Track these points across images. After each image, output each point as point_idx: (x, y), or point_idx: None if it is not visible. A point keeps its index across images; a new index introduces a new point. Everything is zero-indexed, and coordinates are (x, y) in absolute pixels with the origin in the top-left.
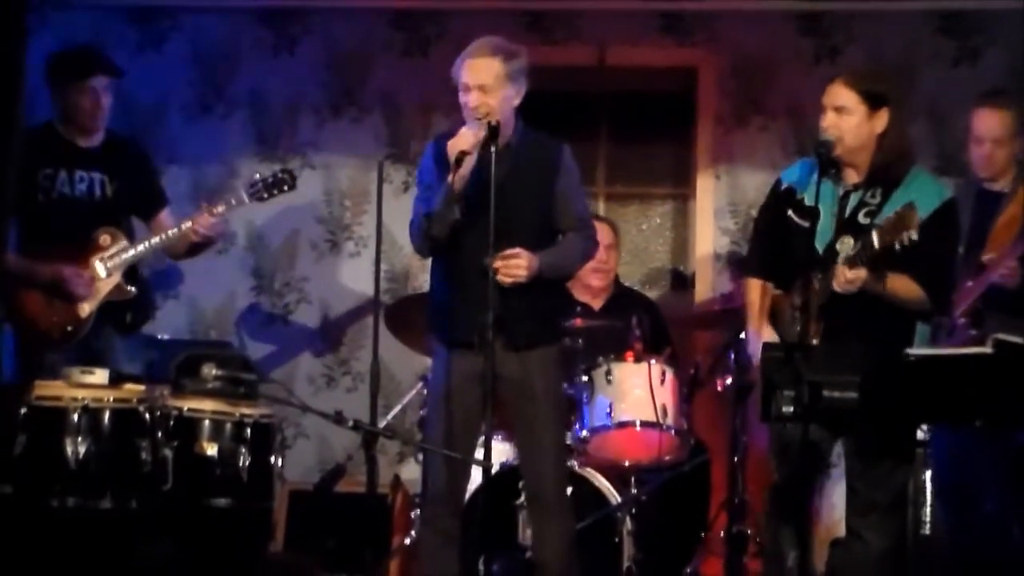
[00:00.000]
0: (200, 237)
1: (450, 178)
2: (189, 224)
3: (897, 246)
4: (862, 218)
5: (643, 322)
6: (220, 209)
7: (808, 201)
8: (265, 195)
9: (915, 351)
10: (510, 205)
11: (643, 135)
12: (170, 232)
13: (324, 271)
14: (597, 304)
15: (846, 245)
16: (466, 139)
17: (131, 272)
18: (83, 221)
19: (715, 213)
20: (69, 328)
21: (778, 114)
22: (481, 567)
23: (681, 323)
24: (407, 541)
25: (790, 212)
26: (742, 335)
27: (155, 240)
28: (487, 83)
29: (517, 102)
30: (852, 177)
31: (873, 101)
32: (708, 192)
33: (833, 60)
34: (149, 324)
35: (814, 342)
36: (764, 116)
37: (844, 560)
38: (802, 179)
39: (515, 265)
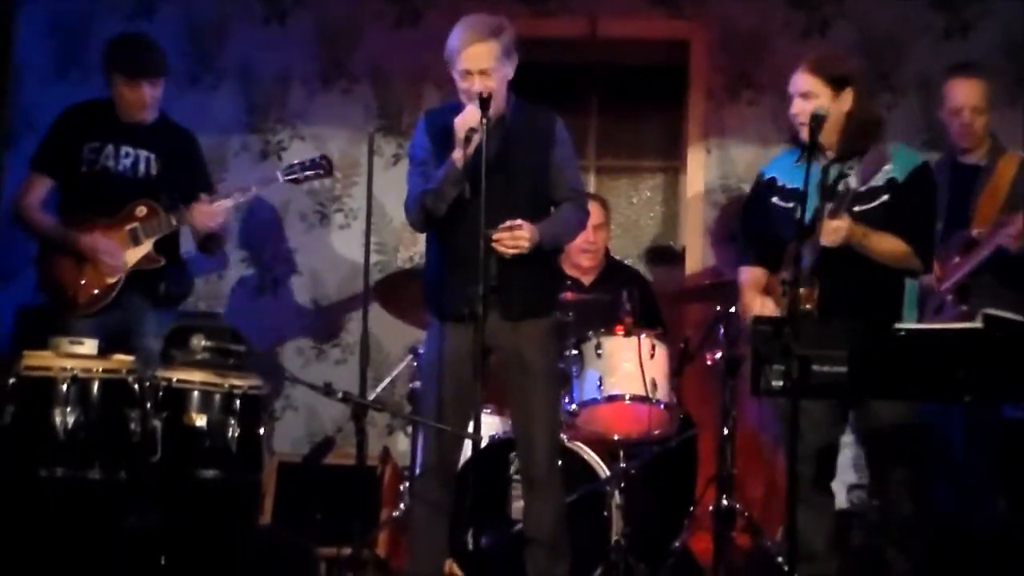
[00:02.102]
0: (202, 227)
1: (457, 155)
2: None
3: (880, 182)
4: (842, 187)
5: (633, 296)
6: (254, 191)
7: (790, 185)
8: (300, 178)
9: (904, 326)
10: (507, 177)
11: (634, 108)
12: (203, 212)
13: (314, 243)
14: (588, 279)
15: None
16: (474, 116)
17: (168, 245)
18: (123, 196)
19: (705, 187)
20: (95, 291)
21: (769, 87)
22: (470, 540)
23: (671, 297)
24: (396, 513)
25: (774, 199)
26: (732, 309)
27: (189, 217)
28: (488, 67)
29: (511, 75)
30: (827, 155)
31: (836, 83)
32: (699, 166)
33: (823, 33)
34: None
35: (808, 307)
36: (755, 89)
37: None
38: (781, 167)
39: (518, 236)
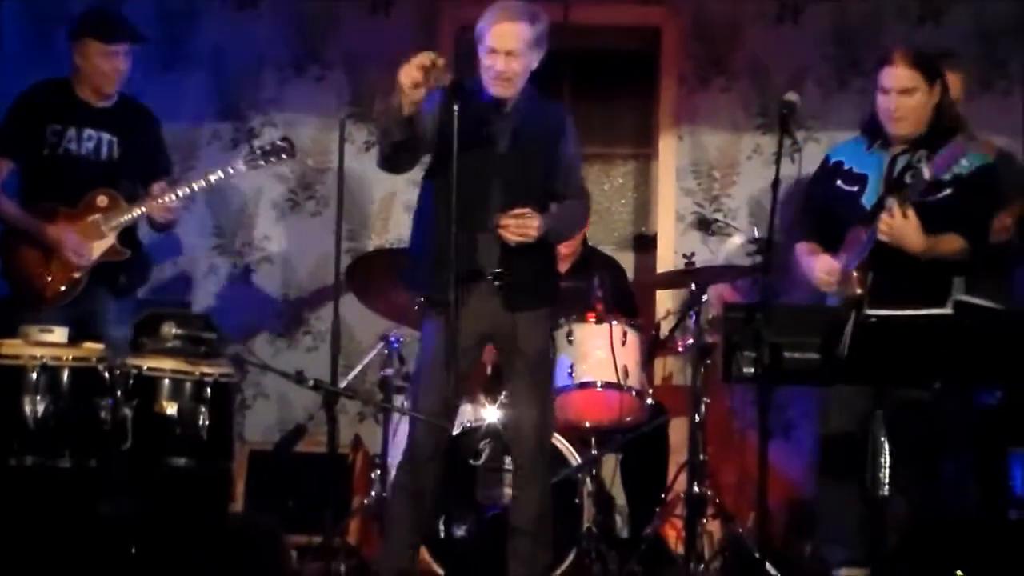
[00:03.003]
0: (160, 219)
1: (395, 99)
2: (168, 197)
3: (947, 176)
4: (909, 179)
5: (605, 283)
6: (215, 178)
7: (856, 169)
8: (261, 163)
9: (875, 312)
10: (513, 167)
11: (606, 94)
12: (159, 200)
13: (285, 231)
14: (563, 266)
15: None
16: (425, 59)
17: (127, 234)
18: (85, 179)
19: (677, 173)
20: (63, 288)
21: (741, 74)
22: (441, 527)
23: (643, 284)
24: (367, 501)
25: (839, 182)
26: (704, 297)
27: (151, 203)
28: (516, 48)
29: (535, 66)
30: (900, 144)
31: (932, 76)
32: (671, 152)
33: (796, 20)
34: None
35: (859, 291)
36: (727, 76)
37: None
38: (849, 152)
39: (526, 224)
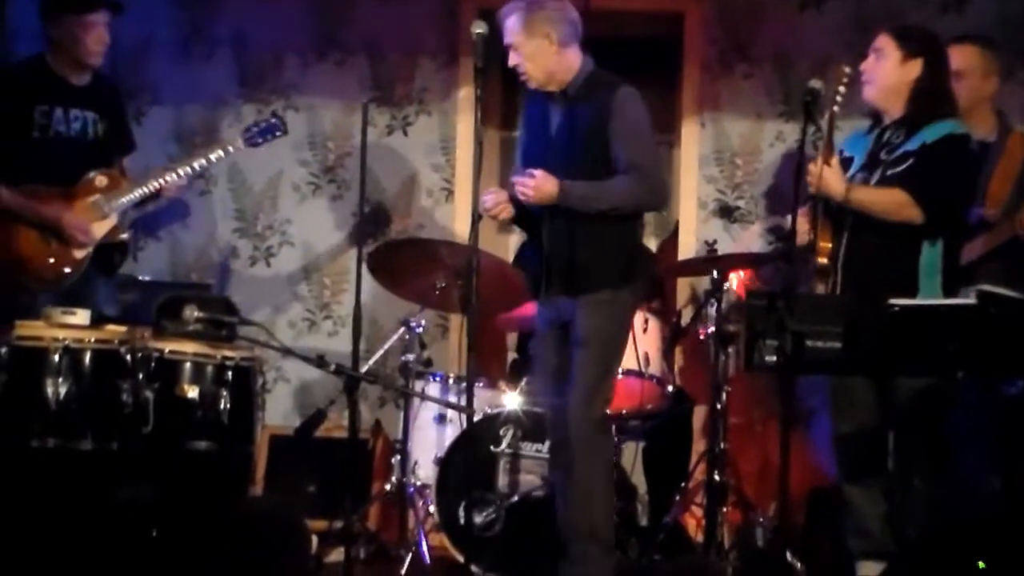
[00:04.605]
0: (171, 196)
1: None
2: (171, 176)
3: (836, 108)
4: (884, 155)
5: None
6: (215, 156)
7: (848, 154)
8: (259, 140)
9: (899, 301)
10: (562, 151)
11: (628, 81)
12: (168, 177)
13: (307, 214)
14: None
15: (857, 179)
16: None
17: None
18: (78, 160)
19: (700, 160)
20: (66, 270)
21: (764, 61)
22: (462, 514)
23: (665, 271)
24: (387, 486)
25: None
26: (726, 284)
27: (155, 184)
28: (511, 42)
29: (554, 49)
30: (890, 120)
31: (908, 50)
32: (693, 139)
33: (819, 7)
34: (130, 265)
35: (823, 261)
36: (750, 63)
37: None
38: (852, 139)
39: (525, 183)
